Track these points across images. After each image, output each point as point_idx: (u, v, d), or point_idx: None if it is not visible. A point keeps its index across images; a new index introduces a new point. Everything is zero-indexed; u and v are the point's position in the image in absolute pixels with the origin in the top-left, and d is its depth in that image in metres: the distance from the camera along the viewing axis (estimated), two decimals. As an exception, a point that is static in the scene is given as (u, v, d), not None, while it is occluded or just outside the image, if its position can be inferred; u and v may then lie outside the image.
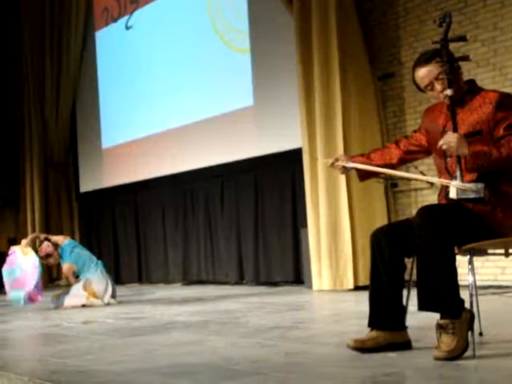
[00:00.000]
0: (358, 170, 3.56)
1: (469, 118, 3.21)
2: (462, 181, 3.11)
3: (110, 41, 11.44)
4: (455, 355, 2.93)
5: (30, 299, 6.93)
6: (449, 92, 3.17)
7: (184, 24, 10.03)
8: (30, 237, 7.78)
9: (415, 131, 3.61)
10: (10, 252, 7.22)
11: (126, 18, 11.06)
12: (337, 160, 3.54)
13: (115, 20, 11.28)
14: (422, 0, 7.22)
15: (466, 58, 3.24)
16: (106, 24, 11.50)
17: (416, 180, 3.44)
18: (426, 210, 3.09)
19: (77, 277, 7.24)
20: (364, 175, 3.61)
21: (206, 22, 9.62)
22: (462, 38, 3.26)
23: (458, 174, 3.12)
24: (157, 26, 10.47)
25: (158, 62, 10.42)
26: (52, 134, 12.13)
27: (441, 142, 3.13)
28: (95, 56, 11.70)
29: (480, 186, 3.08)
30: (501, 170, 3.11)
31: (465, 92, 3.27)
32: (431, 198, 5.87)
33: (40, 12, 12.19)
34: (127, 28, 11.06)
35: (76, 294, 7.05)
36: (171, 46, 10.21)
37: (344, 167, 3.53)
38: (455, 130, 3.14)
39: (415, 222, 3.09)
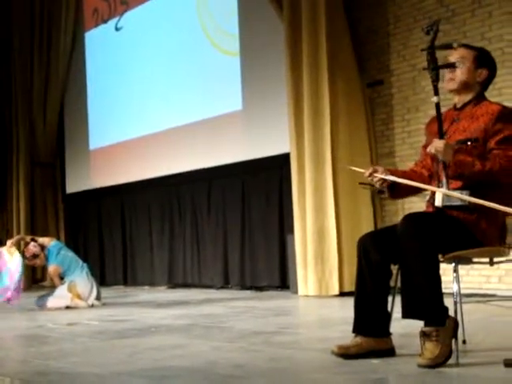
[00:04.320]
0: (391, 187, 3.35)
1: (470, 126, 3.24)
2: (448, 188, 3.14)
3: (99, 42, 11.41)
4: (438, 363, 2.95)
5: (7, 298, 6.91)
6: (435, 99, 3.20)
7: (174, 26, 10.02)
8: (15, 238, 7.79)
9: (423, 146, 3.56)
10: None
11: (116, 19, 11.04)
12: (375, 171, 3.31)
13: (105, 21, 11.26)
14: (411, 8, 7.25)
15: (452, 65, 3.29)
16: (96, 25, 11.47)
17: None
18: (409, 218, 3.11)
19: (61, 278, 7.21)
20: (397, 193, 3.42)
21: (196, 24, 9.62)
22: (449, 46, 3.30)
23: (443, 180, 3.15)
24: (147, 27, 10.46)
25: (147, 64, 10.41)
26: (39, 134, 12.07)
27: (429, 148, 3.18)
28: (84, 57, 11.67)
29: (465, 193, 3.10)
30: (489, 181, 3.13)
31: (470, 100, 3.31)
32: (418, 205, 5.87)
33: (29, 12, 12.14)
34: (117, 29, 11.04)
35: (60, 295, 7.02)
36: (161, 48, 10.20)
37: (383, 180, 3.31)
38: (441, 136, 3.18)
39: (399, 229, 3.10)
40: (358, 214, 7.32)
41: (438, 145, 3.13)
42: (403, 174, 3.39)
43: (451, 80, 3.30)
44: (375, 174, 3.30)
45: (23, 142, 12.06)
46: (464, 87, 3.31)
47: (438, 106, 3.20)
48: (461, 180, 3.15)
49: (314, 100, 7.38)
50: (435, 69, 3.18)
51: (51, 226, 12.05)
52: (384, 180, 3.31)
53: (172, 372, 3.15)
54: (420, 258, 3.01)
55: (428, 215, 3.24)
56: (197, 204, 9.70)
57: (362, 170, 3.38)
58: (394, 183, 3.34)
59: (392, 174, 3.32)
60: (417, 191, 3.44)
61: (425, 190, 3.30)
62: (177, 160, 9.82)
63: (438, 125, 3.22)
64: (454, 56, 3.31)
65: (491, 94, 5.90)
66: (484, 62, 3.33)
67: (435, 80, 3.19)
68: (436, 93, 3.20)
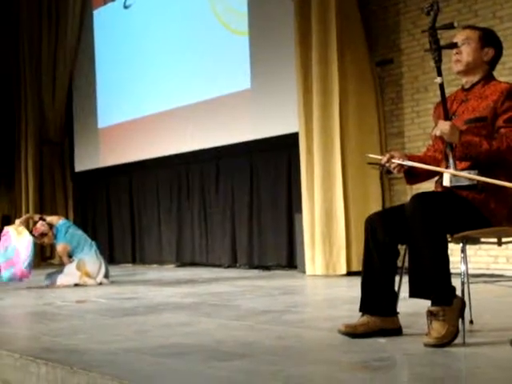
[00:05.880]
0: (408, 172, 3.36)
1: (479, 105, 3.22)
2: (456, 168, 3.13)
3: (107, 20, 11.37)
4: (445, 342, 2.95)
5: (16, 275, 6.94)
6: (438, 80, 3.19)
7: (182, 4, 9.97)
8: (23, 217, 7.82)
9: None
10: (3, 233, 7.21)
11: (124, -3, 10.99)
12: (392, 157, 3.28)
13: (113, -1, 11.22)
14: (423, -14, 7.18)
15: (454, 45, 3.26)
16: (105, 3, 11.43)
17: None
18: (419, 198, 3.09)
19: (70, 257, 7.24)
20: (414, 179, 3.42)
21: (205, 2, 9.56)
22: (450, 26, 3.26)
23: (450, 161, 3.14)
24: (155, 5, 10.41)
25: (155, 42, 10.37)
26: (48, 112, 12.08)
27: (435, 130, 3.17)
28: (93, 35, 11.64)
29: (473, 172, 3.09)
30: (496, 160, 3.11)
31: (479, 80, 3.28)
32: (427, 185, 5.85)
33: (38, -11, 12.12)
34: (125, 7, 10.99)
35: (69, 273, 7.06)
36: (169, 26, 10.15)
37: (401, 165, 3.28)
38: (446, 118, 3.17)
39: (408, 209, 3.10)
40: (366, 194, 7.31)
41: (443, 126, 3.12)
42: (419, 159, 3.37)
43: (458, 62, 3.28)
44: (393, 160, 3.28)
45: (32, 121, 12.08)
46: (471, 68, 3.28)
47: (441, 86, 3.19)
48: (468, 160, 3.14)
49: (323, 79, 7.34)
50: (437, 49, 3.16)
51: (60, 204, 12.08)
52: (401, 166, 3.29)
53: (179, 349, 3.17)
54: (428, 238, 3.00)
55: (437, 195, 3.23)
56: (205, 183, 9.70)
57: (379, 157, 3.37)
58: (410, 169, 3.32)
59: (409, 159, 3.30)
60: (434, 176, 3.42)
61: (441, 172, 3.28)
62: (185, 139, 9.81)
63: (443, 106, 3.21)
64: (458, 37, 3.29)
65: (502, 73, 5.88)
66: (489, 41, 3.30)
67: (438, 61, 3.17)
68: (439, 74, 3.18)
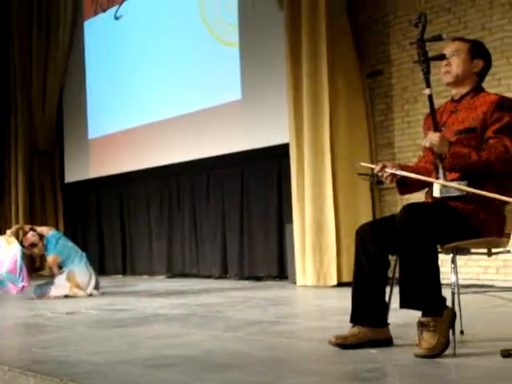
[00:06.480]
0: (400, 182, 3.37)
1: (468, 116, 3.24)
2: (445, 179, 3.14)
3: (98, 31, 11.38)
4: (436, 353, 2.95)
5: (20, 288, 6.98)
6: (427, 91, 3.21)
7: (173, 15, 9.99)
8: (14, 227, 7.83)
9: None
10: None
11: (115, 8, 10.99)
12: (384, 166, 3.31)
13: (104, 10, 11.22)
14: (412, -1, 7.22)
15: (442, 57, 3.29)
16: (95, 13, 11.44)
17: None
18: (409, 208, 3.11)
19: (60, 268, 7.21)
20: (406, 189, 3.42)
21: (195, 14, 9.59)
22: (438, 38, 3.29)
23: (440, 172, 3.16)
24: (146, 17, 10.43)
25: (146, 53, 10.38)
26: (38, 123, 12.05)
27: (424, 141, 3.20)
28: (83, 46, 11.64)
29: (463, 183, 3.11)
30: (485, 171, 3.13)
31: (468, 91, 3.30)
32: (417, 195, 5.89)
33: (28, 1, 12.10)
34: (116, 18, 11.00)
35: (59, 285, 7.03)
36: (160, 37, 10.17)
37: (394, 175, 3.30)
38: (436, 129, 3.19)
39: (398, 220, 3.10)
40: (356, 204, 7.32)
41: (433, 138, 3.14)
42: (411, 170, 3.39)
43: (447, 73, 3.31)
44: (385, 169, 3.30)
45: (22, 131, 12.05)
46: (460, 79, 3.31)
47: (430, 98, 3.21)
48: (458, 171, 3.15)
49: (314, 90, 7.36)
50: (426, 61, 3.19)
51: (50, 215, 12.04)
52: (394, 176, 3.30)
53: (170, 361, 3.16)
54: (419, 249, 3.01)
55: (427, 205, 3.24)
56: (196, 194, 9.69)
57: (372, 166, 3.38)
58: (403, 179, 3.34)
59: (401, 169, 3.31)
60: (426, 186, 3.42)
61: (431, 183, 3.29)
62: (176, 150, 9.81)
63: (432, 117, 3.23)
64: (448, 49, 3.32)
65: (491, 84, 5.91)
66: (479, 52, 3.33)
67: (426, 72, 3.20)
68: (428, 85, 3.20)
